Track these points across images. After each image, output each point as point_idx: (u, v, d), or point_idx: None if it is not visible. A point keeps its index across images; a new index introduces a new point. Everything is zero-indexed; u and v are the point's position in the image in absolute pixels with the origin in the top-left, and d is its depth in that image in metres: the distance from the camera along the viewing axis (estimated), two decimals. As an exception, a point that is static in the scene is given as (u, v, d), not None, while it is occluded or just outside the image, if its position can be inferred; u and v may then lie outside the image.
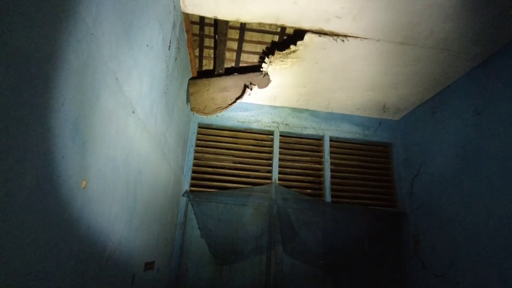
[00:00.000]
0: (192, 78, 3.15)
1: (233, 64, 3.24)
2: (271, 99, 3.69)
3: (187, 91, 3.04)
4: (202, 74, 3.28)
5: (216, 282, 3.18)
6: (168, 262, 2.88)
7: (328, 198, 3.53)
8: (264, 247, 3.29)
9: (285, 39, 2.83)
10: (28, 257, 0.78)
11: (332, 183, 3.64)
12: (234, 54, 3.08)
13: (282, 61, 2.85)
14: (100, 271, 1.25)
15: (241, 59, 3.15)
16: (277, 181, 3.49)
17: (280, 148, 3.71)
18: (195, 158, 3.51)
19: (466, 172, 2.86)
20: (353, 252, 3.44)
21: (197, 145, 3.57)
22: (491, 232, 2.54)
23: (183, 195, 3.25)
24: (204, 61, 3.23)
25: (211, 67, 3.28)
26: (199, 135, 3.62)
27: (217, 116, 3.53)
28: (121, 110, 1.33)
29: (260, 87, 2.99)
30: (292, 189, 3.51)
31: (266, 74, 3.02)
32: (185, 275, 3.15)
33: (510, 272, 2.33)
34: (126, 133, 1.43)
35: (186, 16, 2.48)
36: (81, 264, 1.07)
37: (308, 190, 3.60)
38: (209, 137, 3.64)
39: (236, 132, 3.72)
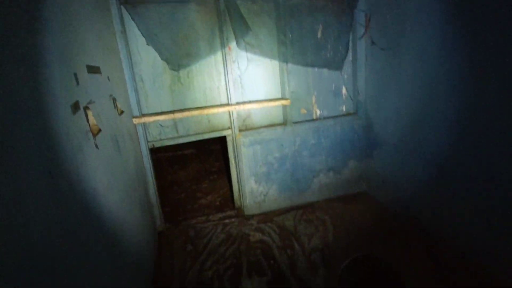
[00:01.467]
0: None
1: None
2: None
3: None
4: None
5: (177, 87, 3.20)
6: (119, 72, 2.74)
7: (279, -20, 3.16)
8: (218, 46, 3.17)
9: None
10: None
11: (282, -37, 3.18)
12: None
13: None
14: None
15: None
16: (219, -33, 2.97)
17: None
18: None
19: None
20: (307, 39, 3.43)
21: None
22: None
23: (111, -1, 2.75)
24: None
25: None
26: None
27: None
28: None
29: None
30: (238, -25, 3.05)
31: None
32: (143, 87, 3.11)
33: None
34: None
35: None
36: None
37: (257, -25, 3.16)
38: None
39: None
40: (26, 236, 0.94)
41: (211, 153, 6.37)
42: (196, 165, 5.79)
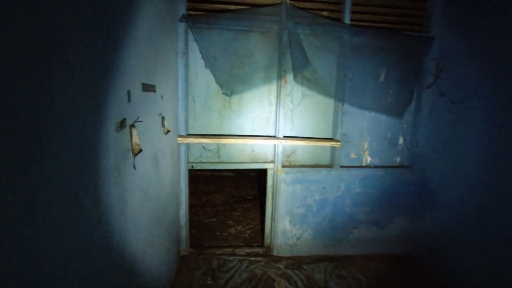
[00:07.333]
0: None
1: None
2: None
3: None
4: None
5: (226, 113, 3.17)
6: (174, 92, 2.77)
7: (347, 19, 3.05)
8: (274, 76, 3.10)
9: None
10: None
11: (353, 3, 3.07)
12: None
13: None
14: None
15: None
16: (288, 1, 2.95)
17: (293, -43, 2.97)
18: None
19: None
20: (368, 81, 3.24)
21: (189, -45, 2.87)
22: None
23: (180, 20, 2.83)
24: None
25: None
26: None
27: None
28: None
29: None
30: (306, 10, 3.00)
31: None
32: (194, 108, 3.12)
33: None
34: None
35: None
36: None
37: (325, 12, 3.09)
38: None
39: None
40: (35, 256, 0.85)
41: (249, 180, 6.25)
42: (232, 189, 5.69)
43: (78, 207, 1.08)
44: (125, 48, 1.52)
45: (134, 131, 1.61)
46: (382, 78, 3.27)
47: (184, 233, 3.25)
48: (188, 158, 3.13)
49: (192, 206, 4.71)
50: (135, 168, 1.65)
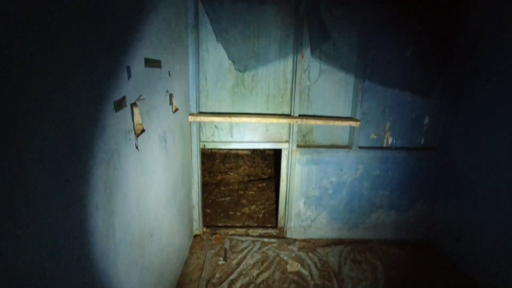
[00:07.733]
0: None
1: None
2: None
3: None
4: None
5: (239, 90, 3.03)
6: (184, 68, 2.64)
7: (372, -14, 2.76)
8: (290, 51, 2.91)
9: None
10: None
11: (380, -32, 2.77)
12: None
13: None
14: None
15: None
16: (307, -33, 2.70)
17: None
18: None
19: None
20: (392, 57, 2.99)
21: None
22: None
23: (189, -10, 2.65)
24: None
25: None
26: None
27: None
28: None
29: None
30: (327, -23, 2.74)
31: None
32: (205, 85, 2.99)
33: None
34: None
35: None
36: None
37: (347, -21, 2.81)
38: None
39: None
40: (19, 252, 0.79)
41: (265, 158, 6.16)
42: (247, 168, 5.63)
43: (68, 194, 1.00)
44: (123, 19, 1.39)
45: (136, 110, 1.51)
46: (408, 54, 3.00)
47: (196, 212, 3.23)
48: (200, 137, 3.04)
49: (206, 184, 4.70)
50: (138, 150, 1.56)
